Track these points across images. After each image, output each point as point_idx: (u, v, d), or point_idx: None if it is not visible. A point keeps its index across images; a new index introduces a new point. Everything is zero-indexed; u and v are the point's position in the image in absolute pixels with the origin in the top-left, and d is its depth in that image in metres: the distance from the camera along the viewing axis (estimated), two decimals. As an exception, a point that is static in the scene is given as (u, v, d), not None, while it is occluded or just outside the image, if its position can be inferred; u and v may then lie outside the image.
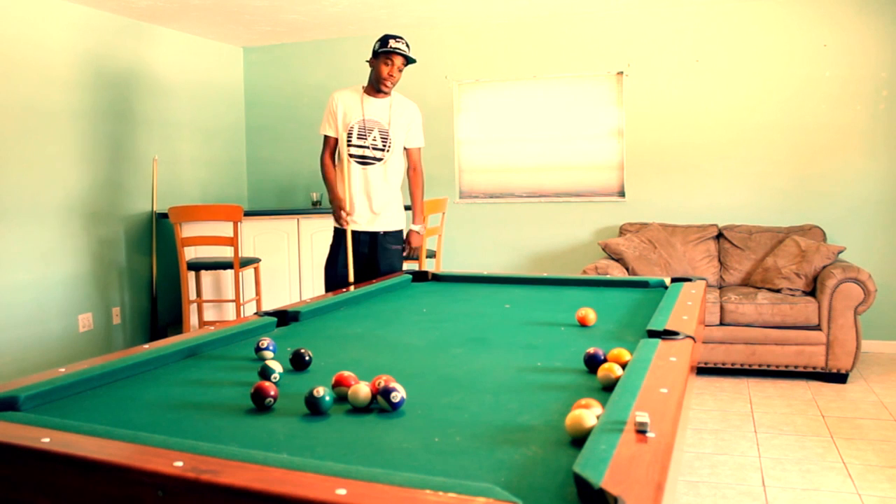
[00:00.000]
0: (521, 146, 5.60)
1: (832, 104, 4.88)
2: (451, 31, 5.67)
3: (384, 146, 3.53)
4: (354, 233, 3.56)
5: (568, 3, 5.06)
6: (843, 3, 4.83)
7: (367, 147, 3.51)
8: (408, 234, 3.69)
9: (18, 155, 4.30)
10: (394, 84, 3.48)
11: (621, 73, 5.32)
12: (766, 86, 5.01)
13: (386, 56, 3.39)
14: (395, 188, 3.64)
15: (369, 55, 6.09)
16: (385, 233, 3.60)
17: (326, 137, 3.57)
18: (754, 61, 5.02)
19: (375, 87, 3.49)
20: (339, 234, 3.60)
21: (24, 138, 4.33)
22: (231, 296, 5.16)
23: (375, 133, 3.52)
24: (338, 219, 3.52)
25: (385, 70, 3.41)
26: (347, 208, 3.46)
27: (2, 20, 4.20)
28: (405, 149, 3.63)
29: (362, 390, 1.36)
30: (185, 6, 4.87)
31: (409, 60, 3.44)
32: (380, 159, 3.54)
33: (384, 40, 3.40)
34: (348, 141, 3.50)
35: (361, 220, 3.57)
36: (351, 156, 3.51)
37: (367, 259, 3.60)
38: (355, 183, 3.53)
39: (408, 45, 3.45)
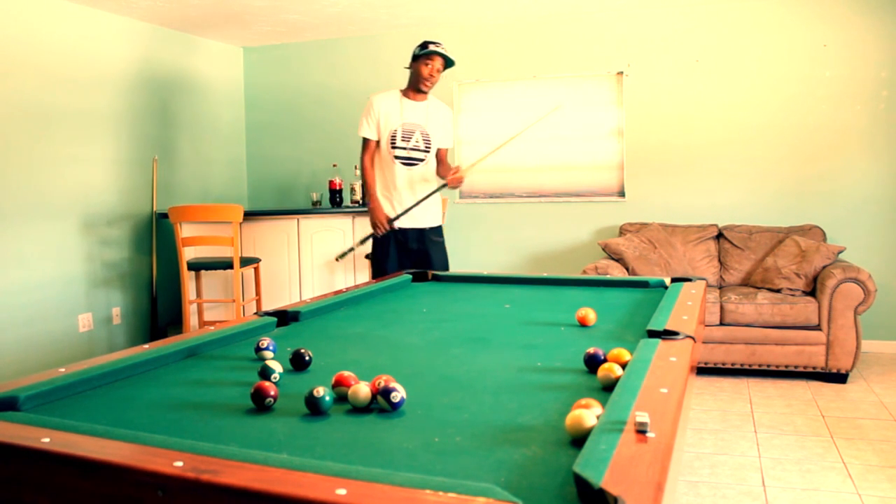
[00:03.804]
0: (521, 146, 5.60)
1: (832, 104, 4.88)
2: (451, 31, 5.67)
3: (426, 147, 3.73)
4: (402, 230, 3.73)
5: (568, 3, 5.06)
6: (843, 3, 4.83)
7: (412, 149, 3.70)
8: (453, 171, 3.69)
9: (18, 155, 4.30)
10: (433, 84, 3.67)
11: (621, 73, 5.32)
12: (766, 86, 5.01)
13: (427, 57, 3.59)
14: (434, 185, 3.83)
15: (370, 56, 6.11)
16: (430, 228, 3.80)
17: (367, 140, 3.73)
18: (754, 61, 5.02)
19: (416, 87, 3.67)
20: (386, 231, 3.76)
21: (24, 139, 4.33)
22: (231, 296, 5.16)
23: (417, 135, 3.71)
24: (375, 226, 3.67)
25: (425, 70, 3.60)
26: (387, 223, 3.63)
27: None
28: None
29: (362, 390, 1.36)
30: (185, 6, 4.86)
31: (448, 63, 3.63)
32: (422, 160, 3.74)
33: (424, 44, 3.61)
34: (392, 144, 3.68)
35: (409, 217, 3.72)
36: (396, 157, 3.69)
37: (417, 254, 3.76)
38: (401, 183, 3.71)
39: (445, 52, 3.63)
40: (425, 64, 3.59)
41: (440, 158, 3.83)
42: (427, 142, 3.72)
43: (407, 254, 3.74)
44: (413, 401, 1.39)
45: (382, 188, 3.74)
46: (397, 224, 3.70)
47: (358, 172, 5.68)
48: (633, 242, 4.80)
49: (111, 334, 4.99)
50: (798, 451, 3.19)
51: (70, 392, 1.48)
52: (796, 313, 4.24)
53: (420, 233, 3.76)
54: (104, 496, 1.02)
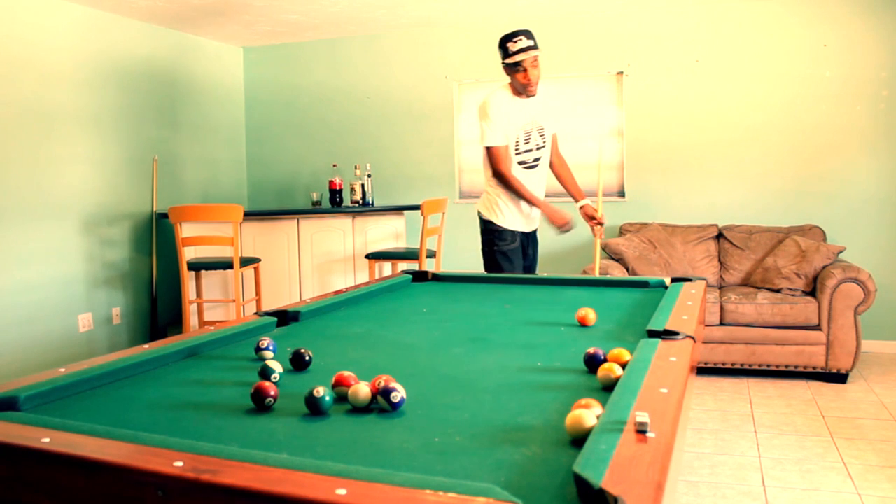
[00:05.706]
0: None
1: (832, 104, 4.88)
2: (451, 31, 5.67)
3: (543, 142, 3.51)
4: (524, 233, 3.58)
5: (568, 3, 5.06)
6: (843, 3, 4.83)
7: (534, 149, 3.48)
8: (584, 207, 3.57)
9: (18, 155, 4.30)
10: (538, 79, 3.35)
11: (621, 73, 5.32)
12: (766, 86, 5.01)
13: (517, 65, 3.28)
14: None
15: (370, 55, 6.08)
16: (535, 230, 3.69)
17: (498, 147, 3.37)
18: (754, 61, 5.02)
19: (523, 92, 3.38)
20: (504, 234, 3.52)
21: (24, 138, 4.33)
22: (231, 296, 5.16)
23: (535, 133, 3.47)
24: (563, 226, 3.42)
25: (522, 77, 3.30)
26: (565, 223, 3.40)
27: None
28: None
29: (362, 390, 1.36)
30: (185, 6, 4.87)
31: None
32: (540, 157, 3.52)
33: (504, 49, 3.27)
34: (515, 150, 3.43)
35: (528, 221, 3.58)
36: (520, 163, 3.45)
37: (528, 256, 3.65)
38: (531, 189, 3.46)
39: (529, 35, 3.28)
40: (520, 71, 3.27)
41: (555, 148, 3.65)
42: (543, 136, 3.49)
43: (525, 255, 3.63)
44: (413, 401, 1.39)
45: (507, 195, 3.46)
46: (521, 227, 3.54)
47: (359, 172, 5.67)
48: (633, 242, 4.80)
49: (111, 334, 4.98)
50: (798, 451, 3.19)
51: (70, 392, 1.48)
52: (796, 313, 4.24)
53: (532, 235, 3.68)
54: (104, 496, 1.02)
